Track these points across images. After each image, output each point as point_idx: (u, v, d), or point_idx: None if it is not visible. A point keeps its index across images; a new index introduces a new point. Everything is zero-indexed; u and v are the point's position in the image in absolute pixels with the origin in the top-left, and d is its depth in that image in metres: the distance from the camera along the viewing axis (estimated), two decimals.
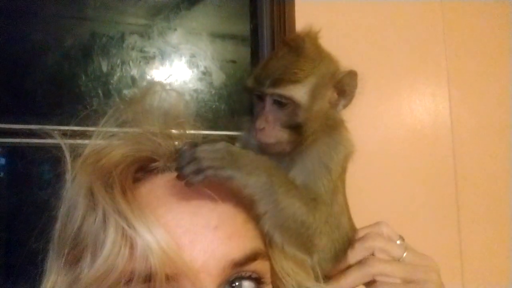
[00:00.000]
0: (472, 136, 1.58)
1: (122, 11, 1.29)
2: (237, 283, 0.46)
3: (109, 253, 0.42)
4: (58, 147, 0.50)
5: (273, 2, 1.35)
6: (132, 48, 1.27)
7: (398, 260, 0.58)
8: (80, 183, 0.47)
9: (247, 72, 1.39)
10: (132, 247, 0.43)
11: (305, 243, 0.56)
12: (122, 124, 0.52)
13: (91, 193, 0.46)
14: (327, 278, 0.59)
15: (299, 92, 0.61)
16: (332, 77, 0.64)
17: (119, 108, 0.53)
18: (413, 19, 1.54)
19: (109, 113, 0.52)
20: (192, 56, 1.35)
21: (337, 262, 0.60)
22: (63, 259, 0.47)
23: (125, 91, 1.24)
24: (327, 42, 0.66)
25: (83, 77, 1.20)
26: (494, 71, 1.66)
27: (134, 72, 1.26)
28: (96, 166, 0.47)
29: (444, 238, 1.48)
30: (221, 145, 0.51)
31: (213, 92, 1.36)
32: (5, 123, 1.08)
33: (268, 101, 0.62)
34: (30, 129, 1.05)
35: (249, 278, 0.47)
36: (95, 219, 0.45)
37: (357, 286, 0.59)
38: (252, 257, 0.47)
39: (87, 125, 0.53)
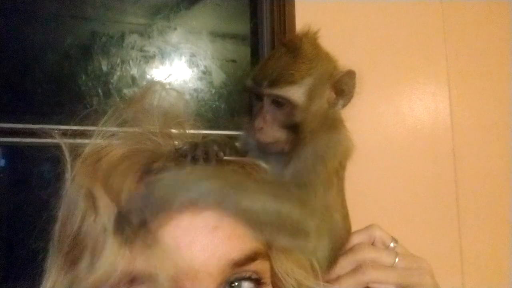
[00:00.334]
0: (472, 136, 1.58)
1: (122, 11, 1.29)
2: (236, 284, 0.46)
3: (110, 253, 0.42)
4: (58, 147, 0.50)
5: (273, 2, 1.35)
6: (132, 48, 1.27)
7: (391, 265, 0.58)
8: (80, 183, 0.47)
9: (247, 71, 1.39)
10: (132, 247, 0.43)
11: (295, 228, 0.53)
12: (122, 124, 0.52)
13: (91, 193, 0.46)
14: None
15: (296, 93, 0.61)
16: (330, 77, 0.64)
17: (119, 108, 0.53)
18: (413, 19, 1.54)
19: (109, 113, 0.52)
20: (192, 55, 1.35)
21: (332, 263, 0.60)
22: (63, 259, 0.47)
23: (125, 91, 1.24)
24: (327, 42, 0.66)
25: (83, 77, 1.20)
26: (494, 71, 1.66)
27: (134, 71, 1.26)
28: (96, 166, 0.47)
29: (444, 238, 1.48)
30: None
31: (213, 91, 1.36)
32: (5, 122, 1.08)
33: (266, 101, 0.63)
34: (30, 129, 1.05)
35: (249, 279, 0.47)
36: (95, 219, 0.45)
37: None
38: (252, 257, 0.47)
39: (87, 125, 0.53)
